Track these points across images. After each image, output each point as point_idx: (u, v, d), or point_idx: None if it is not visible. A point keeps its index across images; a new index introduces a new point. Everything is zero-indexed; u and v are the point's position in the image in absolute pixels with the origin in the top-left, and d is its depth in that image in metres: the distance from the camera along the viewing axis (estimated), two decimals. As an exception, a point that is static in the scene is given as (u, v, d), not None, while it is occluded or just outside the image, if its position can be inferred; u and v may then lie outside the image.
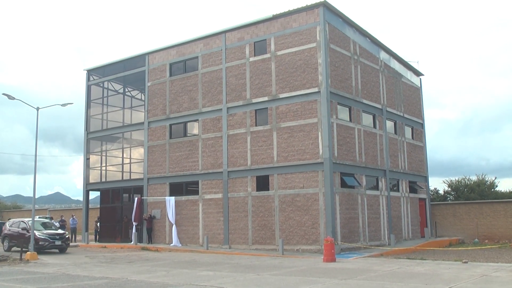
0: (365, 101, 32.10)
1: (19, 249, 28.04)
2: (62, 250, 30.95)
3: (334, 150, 28.18)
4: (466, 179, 46.75)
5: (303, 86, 29.06)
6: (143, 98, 39.27)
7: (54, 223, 41.28)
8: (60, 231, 32.33)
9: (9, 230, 32.24)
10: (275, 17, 30.80)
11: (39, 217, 54.67)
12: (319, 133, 28.06)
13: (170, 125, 35.42)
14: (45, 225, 32.18)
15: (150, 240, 34.82)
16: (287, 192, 29.00)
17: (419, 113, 40.93)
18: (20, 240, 29.46)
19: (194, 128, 34.42)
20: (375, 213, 31.70)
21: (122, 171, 39.58)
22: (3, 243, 32.48)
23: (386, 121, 34.69)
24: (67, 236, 31.50)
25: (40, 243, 29.20)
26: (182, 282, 17.20)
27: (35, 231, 28.48)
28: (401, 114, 37.23)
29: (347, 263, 22.81)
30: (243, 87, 31.62)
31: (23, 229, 30.93)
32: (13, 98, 28.27)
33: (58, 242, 30.17)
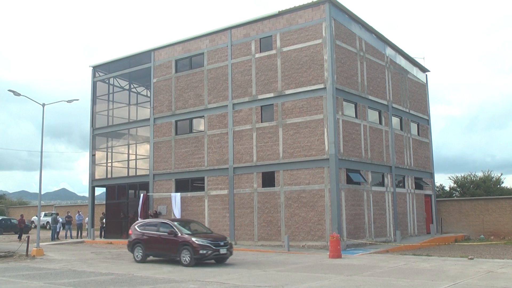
0: (371, 97, 32.03)
1: (158, 258, 23.17)
2: (222, 260, 22.17)
3: (340, 146, 28.14)
4: (472, 176, 46.70)
5: (309, 83, 29.01)
6: (148, 95, 39.28)
7: (59, 219, 41.51)
8: (217, 234, 23.83)
9: (143, 233, 23.10)
10: (281, 13, 30.75)
11: (44, 214, 55.07)
12: (325, 129, 28.02)
13: (176, 122, 35.43)
14: (189, 225, 23.31)
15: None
16: (293, 188, 28.99)
17: (425, 109, 40.81)
18: (160, 246, 22.42)
19: (200, 125, 34.42)
20: (380, 209, 31.65)
21: (128, 167, 39.61)
22: (132, 250, 23.32)
23: (392, 117, 34.60)
24: (230, 242, 22.76)
25: (200, 251, 20.73)
26: (187, 278, 17.23)
27: (192, 237, 21.25)
28: (407, 110, 37.13)
29: (353, 259, 22.80)
30: (249, 83, 31.60)
31: (169, 233, 21.86)
32: (19, 95, 28.34)
33: (223, 250, 21.43)
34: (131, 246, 23.35)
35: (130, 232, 23.95)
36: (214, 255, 21.19)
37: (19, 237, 38.69)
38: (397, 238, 31.08)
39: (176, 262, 21.60)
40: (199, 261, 20.88)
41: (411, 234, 35.19)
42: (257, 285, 15.39)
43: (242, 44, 32.29)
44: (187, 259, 20.86)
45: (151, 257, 23.15)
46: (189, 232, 21.94)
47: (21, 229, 40.27)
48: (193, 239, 21.04)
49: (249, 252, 27.21)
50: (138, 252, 22.89)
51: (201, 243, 20.87)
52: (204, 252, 20.77)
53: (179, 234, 21.53)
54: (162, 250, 22.30)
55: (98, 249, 30.79)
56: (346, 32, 30.51)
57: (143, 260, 22.61)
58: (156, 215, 35.09)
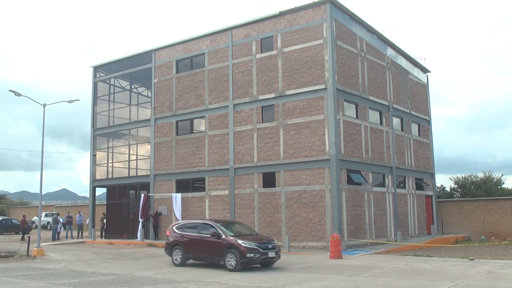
0: (371, 98, 32.02)
1: (198, 262, 21.65)
2: (269, 264, 20.24)
3: (340, 147, 28.14)
4: (472, 176, 46.69)
5: (310, 83, 29.01)
6: (149, 95, 39.30)
7: (60, 219, 41.49)
8: (263, 236, 22.70)
9: (182, 235, 21.50)
10: (282, 14, 30.75)
11: (45, 214, 55.09)
12: (326, 129, 28.02)
13: (177, 122, 35.44)
14: (233, 227, 21.60)
15: (156, 237, 34.87)
16: (293, 189, 28.99)
17: (426, 110, 40.80)
18: (201, 249, 20.71)
19: (200, 125, 34.43)
20: (381, 210, 31.65)
21: (129, 168, 39.63)
22: (171, 253, 21.67)
23: (393, 118, 34.60)
24: (278, 245, 20.82)
25: (247, 255, 18.97)
26: (189, 278, 17.23)
27: (238, 240, 19.43)
28: (408, 111, 37.13)
29: (353, 259, 22.80)
30: (250, 83, 31.60)
31: (212, 234, 20.18)
32: (20, 95, 28.33)
33: (271, 254, 19.58)
34: (169, 249, 21.71)
35: (167, 233, 22.49)
36: (262, 259, 19.33)
37: (22, 238, 38.66)
38: (398, 238, 31.09)
39: (219, 266, 20.16)
40: (246, 265, 19.12)
41: (411, 235, 35.17)
42: (258, 286, 15.39)
43: (243, 44, 32.30)
44: (232, 263, 19.09)
45: (191, 261, 21.63)
46: (234, 234, 20.18)
47: (24, 229, 40.19)
48: (239, 241, 19.21)
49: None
50: (177, 255, 21.24)
51: (248, 246, 19.09)
52: (252, 255, 18.96)
53: (223, 236, 19.80)
54: (204, 253, 20.63)
55: (99, 250, 30.79)
56: (347, 32, 30.50)
57: (182, 264, 21.00)
58: (157, 215, 35.10)
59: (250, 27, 32.16)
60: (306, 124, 28.86)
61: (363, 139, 30.70)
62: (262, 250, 19.25)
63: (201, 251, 20.75)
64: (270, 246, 19.70)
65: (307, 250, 27.35)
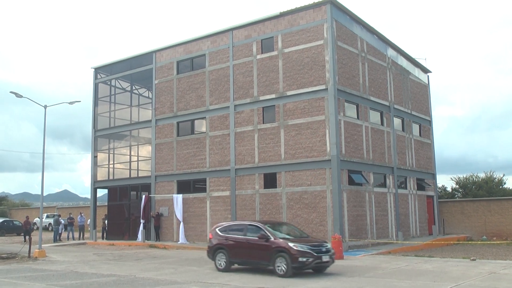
0: (372, 98, 32.02)
1: (243, 266, 19.82)
2: (322, 269, 18.66)
3: (341, 148, 28.13)
4: (474, 176, 46.64)
5: (311, 84, 29.01)
6: (150, 96, 39.31)
7: (61, 220, 41.50)
8: (315, 238, 21.24)
9: (226, 238, 19.87)
10: (282, 15, 30.75)
11: (47, 215, 55.12)
12: (327, 130, 28.01)
13: (178, 123, 35.44)
14: (281, 228, 20.00)
15: (157, 238, 34.88)
16: (294, 190, 28.98)
17: (427, 110, 40.79)
18: (248, 253, 19.01)
19: (201, 126, 34.44)
20: (382, 211, 31.63)
21: (130, 169, 39.63)
22: (214, 257, 20.10)
23: (394, 118, 34.59)
24: (332, 249, 19.08)
25: (299, 259, 17.34)
26: (190, 279, 17.24)
27: (289, 242, 17.84)
28: (409, 111, 37.11)
29: (354, 260, 22.79)
30: (251, 84, 31.60)
31: (260, 237, 18.57)
32: (21, 96, 28.37)
33: (325, 258, 17.94)
34: (212, 253, 20.16)
35: (210, 236, 20.85)
36: (316, 263, 17.67)
37: (25, 239, 38.63)
38: (399, 239, 31.06)
39: (268, 271, 18.56)
40: (297, 270, 17.63)
41: (413, 235, 35.15)
42: (259, 287, 15.39)
43: (243, 45, 32.30)
44: (283, 268, 17.51)
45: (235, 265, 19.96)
46: (284, 236, 18.67)
47: (27, 231, 39.93)
48: (290, 244, 17.67)
49: (251, 253, 27.13)
50: (221, 260, 19.68)
51: (300, 249, 17.48)
52: (304, 260, 17.34)
53: (272, 239, 18.19)
54: (251, 257, 18.94)
55: (100, 251, 30.80)
56: (348, 33, 30.50)
57: (227, 269, 19.41)
58: (158, 216, 35.11)
59: (251, 28, 32.17)
60: (307, 125, 28.85)
61: (364, 140, 30.69)
62: (315, 254, 17.61)
63: (247, 255, 19.07)
64: (323, 249, 18.07)
65: (309, 250, 27.28)
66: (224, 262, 19.59)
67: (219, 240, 20.10)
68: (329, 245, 18.76)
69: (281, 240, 18.15)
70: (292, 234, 19.48)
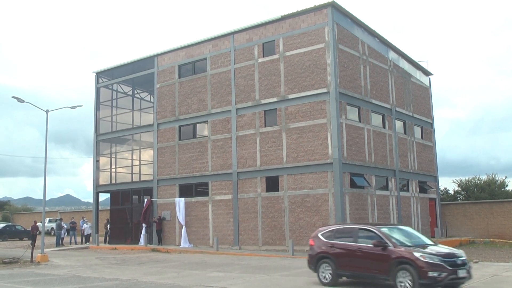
0: (374, 101, 32.03)
1: (354, 280, 16.41)
2: (457, 286, 14.68)
3: (343, 151, 28.13)
4: (476, 179, 46.58)
5: (312, 87, 29.03)
6: (152, 100, 39.39)
7: (64, 225, 41.47)
8: (444, 246, 16.00)
9: (332, 244, 16.56)
10: (283, 18, 30.79)
11: (49, 220, 55.11)
12: (329, 133, 28.01)
13: (180, 127, 35.47)
14: (400, 232, 16.13)
15: (160, 242, 34.88)
16: (296, 193, 28.97)
17: (429, 112, 40.78)
18: (360, 264, 15.60)
19: (203, 130, 34.47)
20: (385, 213, 31.60)
21: (132, 173, 39.68)
22: (316, 268, 16.75)
23: (396, 121, 34.58)
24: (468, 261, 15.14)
25: (429, 274, 13.79)
26: (192, 283, 17.23)
27: (414, 252, 14.32)
28: (411, 114, 37.11)
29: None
30: (252, 88, 31.63)
31: (375, 244, 15.11)
32: (23, 101, 28.42)
33: (462, 273, 14.22)
34: (315, 263, 16.91)
35: (311, 242, 17.58)
36: (450, 279, 14.01)
37: (32, 244, 38.35)
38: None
39: (386, 287, 15.56)
40: (431, 286, 13.97)
41: (415, 238, 35.02)
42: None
43: (245, 49, 32.34)
44: (407, 285, 14.16)
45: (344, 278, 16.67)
46: (406, 244, 15.11)
47: (34, 235, 39.48)
48: (416, 254, 14.21)
49: (253, 256, 27.18)
50: (326, 271, 16.43)
51: (430, 261, 13.98)
52: (435, 275, 13.79)
53: (391, 247, 14.80)
54: (364, 269, 15.54)
55: (103, 255, 30.81)
56: (349, 36, 30.53)
57: (333, 283, 16.16)
58: (160, 220, 35.10)
59: (252, 31, 32.21)
60: (309, 128, 28.87)
61: (366, 143, 30.69)
62: (449, 268, 13.99)
63: (359, 267, 15.66)
64: (459, 262, 14.38)
65: (311, 254, 27.26)
66: (330, 274, 16.29)
67: (322, 247, 16.82)
68: (464, 256, 14.89)
69: (402, 248, 14.70)
70: (415, 240, 15.72)
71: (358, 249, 15.64)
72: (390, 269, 14.57)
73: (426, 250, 14.56)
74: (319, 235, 17.36)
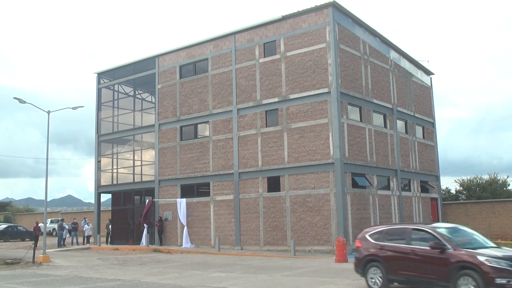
0: (375, 101, 32.01)
1: (408, 286, 14.64)
2: None
3: (345, 150, 28.12)
4: (478, 178, 46.58)
5: (313, 87, 29.01)
6: (153, 101, 39.37)
7: (66, 226, 41.48)
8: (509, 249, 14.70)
9: (381, 246, 15.12)
10: (284, 18, 30.78)
11: (51, 220, 55.12)
12: (330, 133, 28.00)
13: (181, 127, 35.47)
14: (458, 233, 14.67)
15: (160, 242, 34.86)
16: (298, 193, 28.96)
17: (430, 112, 40.76)
18: (414, 268, 14.04)
19: (204, 130, 34.46)
20: (386, 213, 31.58)
21: (133, 174, 39.68)
22: (364, 272, 15.37)
23: (397, 120, 34.56)
24: None
25: (497, 281, 12.27)
26: (194, 283, 17.22)
27: (478, 255, 12.85)
28: (412, 114, 37.08)
29: (359, 263, 22.68)
30: (253, 88, 31.62)
31: (432, 246, 13.66)
32: (24, 102, 28.45)
33: None
34: (362, 266, 15.50)
35: (358, 244, 16.24)
36: None
37: (35, 245, 38.35)
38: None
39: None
40: None
41: (417, 238, 34.99)
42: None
43: (246, 49, 32.33)
44: None
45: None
46: (467, 246, 13.59)
47: (37, 236, 39.45)
48: (481, 258, 12.73)
49: (255, 257, 27.18)
50: (375, 276, 15.01)
51: (496, 266, 12.46)
52: (504, 281, 12.23)
53: (451, 249, 13.36)
54: (419, 274, 13.96)
55: (104, 255, 30.82)
56: (350, 36, 30.52)
57: None
58: (161, 221, 35.10)
59: (253, 31, 32.20)
60: (310, 128, 28.85)
61: (367, 142, 30.67)
62: None
63: (413, 272, 14.10)
64: None
65: (313, 254, 27.31)
66: (380, 279, 14.91)
67: (371, 249, 15.39)
68: None
69: (463, 251, 13.19)
70: (474, 242, 14.25)
71: (412, 252, 14.18)
72: (449, 275, 13.10)
73: (491, 253, 13.05)
74: (367, 236, 15.97)
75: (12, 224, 54.90)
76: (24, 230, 50.65)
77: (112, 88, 41.47)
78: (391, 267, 14.60)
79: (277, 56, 30.79)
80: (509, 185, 45.97)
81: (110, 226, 40.22)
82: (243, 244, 30.90)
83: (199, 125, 34.77)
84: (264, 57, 31.41)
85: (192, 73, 35.32)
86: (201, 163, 33.72)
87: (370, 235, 15.82)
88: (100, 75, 41.83)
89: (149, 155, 38.82)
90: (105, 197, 44.17)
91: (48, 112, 29.16)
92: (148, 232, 35.49)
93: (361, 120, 30.51)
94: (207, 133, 34.04)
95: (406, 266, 14.25)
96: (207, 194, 33.44)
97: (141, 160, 39.61)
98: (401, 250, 14.51)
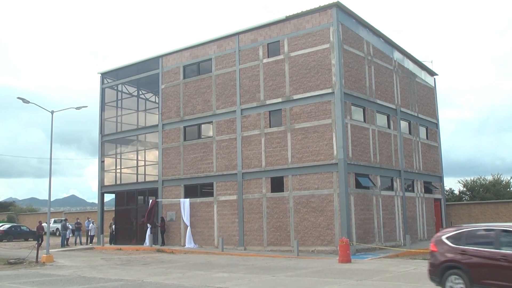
0: (379, 102, 31.97)
1: None
2: None
3: (348, 151, 28.09)
4: (481, 179, 46.53)
5: (317, 87, 29.00)
6: (157, 101, 39.39)
7: (69, 225, 41.54)
8: None
9: (463, 251, 12.98)
10: (288, 19, 30.77)
11: (54, 220, 55.23)
12: (333, 134, 27.98)
13: (184, 127, 35.49)
14: None
15: (163, 242, 34.86)
16: (301, 193, 28.95)
17: (434, 113, 40.69)
18: (506, 277, 11.83)
19: (208, 130, 34.47)
20: (390, 214, 31.54)
21: (137, 174, 39.71)
22: (442, 280, 13.25)
23: (401, 121, 34.52)
24: None
25: None
26: (197, 284, 17.23)
27: None
28: (416, 114, 37.03)
29: (362, 264, 22.72)
30: (257, 88, 31.62)
31: None
32: (28, 102, 28.49)
33: None
34: (440, 273, 13.38)
35: (433, 248, 14.00)
36: None
37: (39, 245, 38.29)
38: (407, 242, 30.93)
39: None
40: None
41: (420, 239, 35.03)
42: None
43: (249, 49, 32.33)
44: None
45: None
46: None
47: (39, 236, 39.37)
48: None
49: (258, 257, 27.17)
50: (456, 285, 12.90)
51: None
52: None
53: None
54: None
55: (108, 255, 30.85)
56: (354, 36, 30.49)
57: None
58: (163, 221, 35.10)
59: (257, 32, 32.20)
60: (314, 129, 28.84)
61: (371, 143, 30.64)
62: None
63: (505, 281, 11.86)
64: None
65: (316, 254, 27.29)
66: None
67: (450, 254, 13.31)
68: None
69: None
70: None
71: (503, 258, 11.96)
72: None
73: None
74: (444, 238, 13.78)
75: (15, 224, 55.03)
76: (28, 230, 50.71)
77: (115, 88, 41.53)
78: (477, 275, 12.45)
79: (280, 57, 30.78)
80: (512, 185, 45.92)
81: (113, 226, 40.26)
82: (247, 244, 30.89)
83: (202, 126, 34.79)
84: (268, 57, 31.40)
85: (196, 73, 35.34)
86: (205, 163, 33.72)
87: (447, 238, 13.69)
88: (104, 75, 41.89)
89: (153, 155, 38.84)
90: (109, 197, 44.27)
91: (52, 112, 29.20)
92: (151, 232, 35.50)
93: (364, 121, 30.48)
94: (210, 134, 34.05)
95: (496, 275, 12.08)
96: (210, 194, 33.45)
97: (145, 160, 39.63)
98: (489, 256, 12.34)
